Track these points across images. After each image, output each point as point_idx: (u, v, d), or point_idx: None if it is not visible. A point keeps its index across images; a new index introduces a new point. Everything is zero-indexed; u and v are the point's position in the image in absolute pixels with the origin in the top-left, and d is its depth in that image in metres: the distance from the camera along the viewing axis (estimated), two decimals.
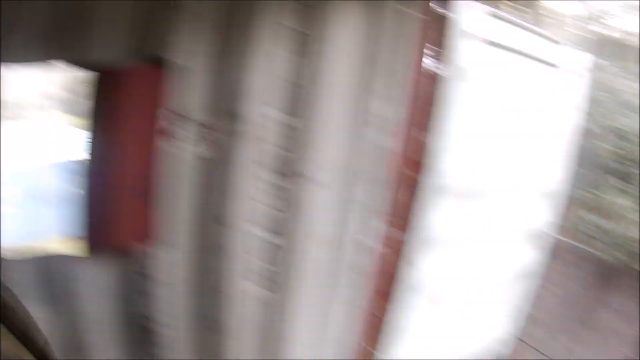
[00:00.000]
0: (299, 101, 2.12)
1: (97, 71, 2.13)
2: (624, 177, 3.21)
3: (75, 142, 2.46)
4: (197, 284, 2.43)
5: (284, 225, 2.27)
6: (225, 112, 2.14)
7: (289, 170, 2.21)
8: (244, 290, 2.33)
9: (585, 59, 2.48)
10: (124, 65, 2.08)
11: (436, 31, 2.04)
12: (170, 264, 2.39)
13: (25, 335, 0.61)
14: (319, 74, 2.06)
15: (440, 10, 2.00)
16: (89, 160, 2.29)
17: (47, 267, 2.37)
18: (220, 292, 2.34)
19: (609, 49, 3.72)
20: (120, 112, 2.16)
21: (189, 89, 2.15)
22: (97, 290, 2.41)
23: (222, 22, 2.09)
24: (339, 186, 2.22)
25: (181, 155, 2.22)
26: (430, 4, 2.01)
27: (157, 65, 2.08)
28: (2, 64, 2.15)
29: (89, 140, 2.31)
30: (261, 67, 2.08)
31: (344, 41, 2.04)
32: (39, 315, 2.25)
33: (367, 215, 2.26)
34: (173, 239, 2.34)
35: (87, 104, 2.24)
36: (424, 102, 2.14)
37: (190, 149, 2.20)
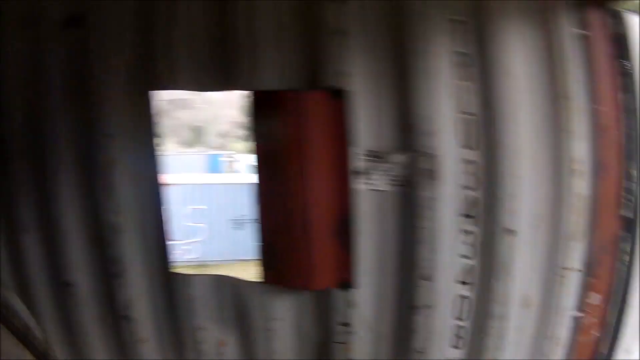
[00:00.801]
0: (481, 135, 2.15)
1: (277, 101, 2.20)
2: None
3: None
4: (395, 339, 2.35)
5: (478, 279, 2.17)
6: (412, 149, 2.18)
7: (482, 217, 2.15)
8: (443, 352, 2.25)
9: None
10: (304, 94, 2.14)
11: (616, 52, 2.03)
12: (367, 313, 2.32)
13: (25, 335, 0.50)
14: (493, 101, 2.11)
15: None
16: (273, 193, 2.30)
17: (233, 291, 2.46)
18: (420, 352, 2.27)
19: None
20: (306, 143, 2.20)
21: (375, 121, 2.19)
22: (283, 326, 2.42)
23: (397, 51, 2.14)
24: (538, 240, 2.14)
25: (373, 194, 2.24)
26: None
27: (333, 95, 2.13)
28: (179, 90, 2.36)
29: (274, 172, 2.34)
30: (442, 98, 2.13)
31: (518, 66, 2.08)
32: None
33: (568, 276, 2.15)
34: (371, 286, 2.29)
35: (266, 133, 2.30)
36: (617, 138, 2.09)
37: (381, 187, 2.22)
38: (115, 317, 2.59)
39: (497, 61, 2.09)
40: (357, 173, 2.20)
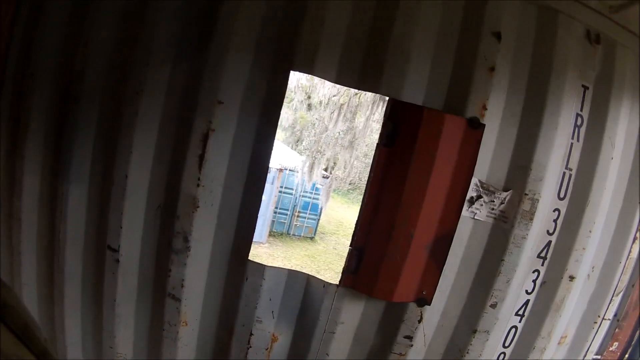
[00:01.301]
0: (571, 188, 2.41)
1: (416, 115, 2.20)
2: None
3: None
4: (446, 357, 2.49)
5: (532, 314, 2.44)
6: (520, 189, 2.33)
7: (552, 260, 2.42)
8: None
9: None
10: (446, 116, 2.18)
11: None
12: (430, 330, 2.42)
13: (25, 334, 0.63)
14: (591, 163, 2.38)
15: None
16: (382, 198, 2.29)
17: (305, 288, 2.43)
18: None
19: None
20: (433, 161, 2.21)
21: (495, 156, 2.30)
22: (344, 329, 2.44)
23: (532, 101, 2.29)
24: (590, 290, 2.47)
25: (472, 222, 2.34)
26: None
27: (471, 125, 2.20)
28: (317, 78, 2.27)
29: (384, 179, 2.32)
30: (557, 151, 2.34)
31: (619, 136, 2.38)
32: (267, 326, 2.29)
33: (601, 323, 2.52)
34: (441, 305, 2.38)
35: (394, 141, 2.28)
36: None
37: (482, 218, 2.33)
38: (160, 295, 2.35)
39: (605, 128, 2.34)
40: (468, 201, 2.24)
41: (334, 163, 11.17)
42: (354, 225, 2.30)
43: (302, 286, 2.39)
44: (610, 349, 2.55)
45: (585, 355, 2.60)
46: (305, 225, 12.81)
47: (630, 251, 2.48)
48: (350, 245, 2.31)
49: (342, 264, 2.38)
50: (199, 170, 2.24)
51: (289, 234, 12.63)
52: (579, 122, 2.33)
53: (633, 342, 2.51)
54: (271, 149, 2.28)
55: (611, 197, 2.40)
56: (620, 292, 2.49)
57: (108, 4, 2.18)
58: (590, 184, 2.37)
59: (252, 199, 2.29)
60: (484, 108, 2.22)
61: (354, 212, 14.83)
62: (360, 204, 2.33)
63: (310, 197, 12.54)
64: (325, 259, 11.45)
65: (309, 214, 12.81)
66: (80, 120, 2.29)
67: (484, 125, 2.21)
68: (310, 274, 2.44)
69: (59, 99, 2.29)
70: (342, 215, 15.30)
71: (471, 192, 2.28)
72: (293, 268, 2.56)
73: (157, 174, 2.30)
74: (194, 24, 2.17)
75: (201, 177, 2.24)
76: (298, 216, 12.65)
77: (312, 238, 12.93)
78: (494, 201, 2.28)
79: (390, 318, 2.39)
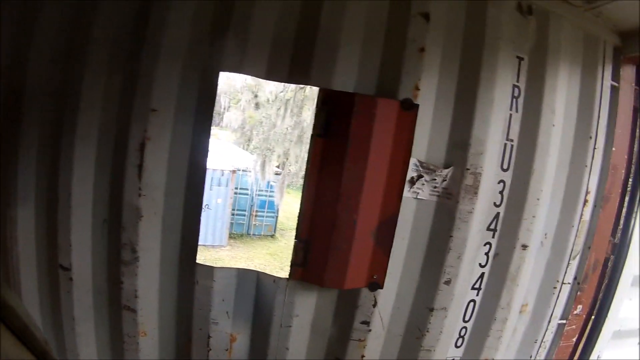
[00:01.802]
0: (514, 159, 2.40)
1: (348, 102, 2.17)
2: None
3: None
4: (406, 338, 2.48)
5: (488, 286, 2.43)
6: (461, 166, 2.31)
7: (503, 232, 2.41)
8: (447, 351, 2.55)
9: None
10: (379, 101, 2.15)
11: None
12: (386, 313, 2.42)
13: (25, 335, 0.65)
14: (532, 132, 2.37)
15: None
16: (322, 190, 2.27)
17: (257, 285, 2.44)
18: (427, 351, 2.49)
19: None
20: (369, 147, 2.19)
21: (433, 135, 2.28)
22: (301, 322, 2.44)
23: (465, 76, 2.27)
24: (545, 256, 2.46)
25: (415, 202, 2.33)
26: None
27: (404, 107, 2.18)
28: (246, 75, 2.25)
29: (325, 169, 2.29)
30: (495, 124, 2.32)
31: (558, 104, 2.38)
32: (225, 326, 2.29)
33: (561, 288, 2.51)
34: (394, 287, 2.37)
35: (329, 131, 2.24)
36: (621, 176, 2.47)
37: (424, 197, 2.32)
38: (115, 308, 2.36)
39: (543, 97, 2.32)
40: (408, 182, 2.21)
41: (286, 159, 11.13)
42: (297, 218, 2.27)
43: (253, 284, 2.40)
44: (575, 312, 2.55)
45: (549, 322, 2.60)
46: (264, 224, 12.95)
47: (582, 215, 2.46)
48: (295, 238, 2.29)
49: None
50: (139, 179, 2.22)
51: (249, 234, 12.76)
52: (516, 93, 2.32)
53: (598, 303, 2.50)
54: (207, 151, 2.26)
55: (557, 163, 2.38)
56: (576, 256, 2.49)
57: (49, 14, 2.16)
58: (533, 153, 2.35)
59: (194, 202, 2.29)
60: (417, 89, 2.20)
61: None
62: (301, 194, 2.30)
63: (266, 196, 12.65)
64: (287, 255, 11.51)
65: (267, 212, 12.93)
66: (22, 143, 2.26)
67: (417, 106, 2.18)
68: (259, 270, 2.44)
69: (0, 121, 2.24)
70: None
71: (411, 173, 2.26)
72: (247, 267, 2.56)
73: (100, 188, 2.28)
74: (127, 30, 2.14)
75: (142, 187, 2.23)
76: (256, 215, 12.78)
77: (272, 236, 13.06)
78: (435, 179, 2.26)
79: (344, 306, 2.40)
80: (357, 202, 2.19)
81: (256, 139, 11.69)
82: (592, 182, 2.45)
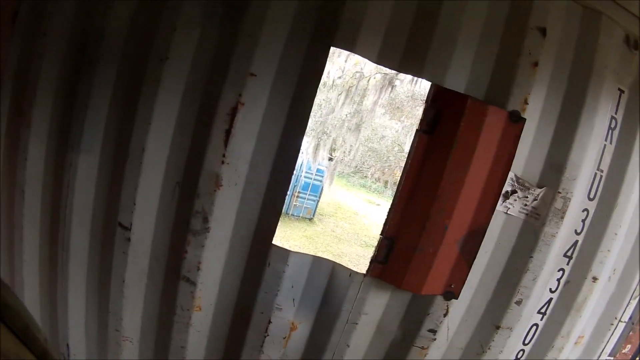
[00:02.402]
0: (601, 190, 2.39)
1: (459, 103, 2.13)
2: None
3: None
4: (467, 352, 2.42)
5: (553, 312, 2.41)
6: (553, 187, 2.29)
7: (577, 260, 2.41)
8: None
9: None
10: (491, 108, 2.11)
11: None
12: (454, 324, 2.38)
13: (25, 334, 0.64)
14: (622, 166, 2.38)
15: None
16: (417, 188, 2.22)
17: (330, 277, 2.34)
18: None
19: None
20: (472, 153, 2.15)
21: (532, 152, 2.26)
22: (367, 320, 2.36)
23: (572, 99, 2.26)
24: (609, 292, 2.46)
25: (504, 217, 2.29)
26: None
27: (512, 118, 2.15)
28: (356, 55, 2.17)
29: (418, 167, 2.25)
30: (591, 152, 2.32)
31: None
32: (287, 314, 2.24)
33: (617, 325, 2.52)
34: (467, 299, 2.33)
35: (435, 130, 2.20)
36: None
37: (514, 213, 2.29)
38: (173, 277, 2.22)
39: (638, 132, 2.33)
40: (502, 195, 2.18)
41: (340, 145, 11.02)
42: (387, 213, 2.20)
43: (327, 274, 2.29)
44: (623, 351, 2.55)
45: (599, 356, 2.58)
46: (304, 206, 12.60)
47: None
48: (380, 234, 2.22)
49: (341, 247, 2.28)
50: (224, 146, 2.09)
51: (287, 213, 12.35)
52: (612, 125, 2.32)
53: None
54: (304, 129, 2.16)
55: (638, 201, 2.37)
56: (637, 296, 2.48)
57: None
58: (620, 187, 2.36)
59: (280, 181, 2.16)
60: (526, 102, 2.17)
61: (352, 196, 14.83)
62: (394, 192, 2.23)
63: (310, 178, 12.32)
64: (323, 240, 11.29)
65: (309, 194, 12.57)
66: (95, 85, 2.11)
67: (524, 120, 2.16)
68: (337, 262, 2.32)
69: (72, 60, 2.12)
70: (341, 198, 15.19)
71: (507, 187, 2.22)
72: (318, 254, 2.44)
73: (177, 149, 2.14)
74: None
75: (226, 154, 2.09)
76: (298, 196, 12.41)
77: (310, 219, 12.74)
78: (527, 197, 2.23)
79: (415, 310, 2.32)
80: (452, 207, 2.14)
81: (313, 120, 11.51)
82: None
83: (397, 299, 2.31)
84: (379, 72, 8.72)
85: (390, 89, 8.16)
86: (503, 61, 2.17)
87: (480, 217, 2.20)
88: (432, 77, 2.12)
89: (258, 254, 2.26)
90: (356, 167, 16.30)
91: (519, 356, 2.48)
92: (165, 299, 2.33)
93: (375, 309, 2.32)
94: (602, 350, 2.57)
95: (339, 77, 9.75)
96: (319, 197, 12.55)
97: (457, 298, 2.27)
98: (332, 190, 12.70)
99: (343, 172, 12.57)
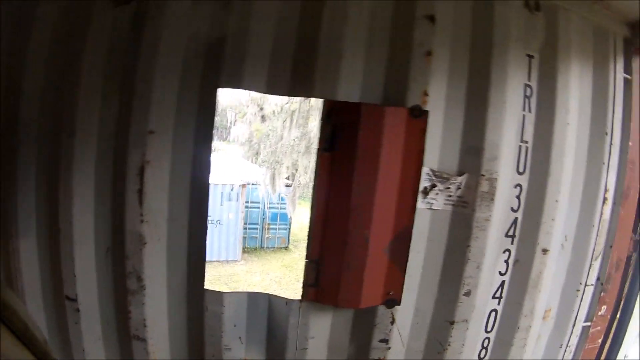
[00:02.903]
0: (529, 161, 2.25)
1: (354, 112, 2.04)
2: None
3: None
4: (427, 353, 2.34)
5: (509, 294, 2.28)
6: (475, 172, 2.16)
7: (521, 237, 2.26)
8: None
9: None
10: (386, 109, 2.01)
11: None
12: (405, 329, 2.27)
13: (25, 335, 0.63)
14: (547, 132, 2.22)
15: None
16: (332, 206, 2.14)
17: (269, 309, 2.31)
18: None
19: None
20: (378, 158, 2.05)
21: (444, 142, 2.14)
22: (317, 344, 2.30)
23: (474, 79, 2.13)
24: (566, 259, 2.31)
25: (429, 213, 2.19)
26: None
27: (413, 114, 2.04)
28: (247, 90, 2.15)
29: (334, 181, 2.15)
30: (508, 126, 2.17)
31: (572, 102, 2.23)
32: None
33: (585, 290, 2.36)
34: (412, 302, 2.23)
35: (336, 144, 2.12)
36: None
37: (439, 207, 2.18)
38: (125, 337, 2.24)
39: (557, 95, 2.18)
40: (421, 192, 2.07)
41: (295, 170, 11.00)
42: (307, 237, 2.12)
43: (265, 307, 2.26)
44: (599, 313, 2.42)
45: (574, 325, 2.47)
46: (277, 236, 12.75)
47: (602, 213, 2.32)
48: (306, 258, 2.16)
49: None
50: (140, 205, 2.10)
51: (262, 247, 12.58)
52: (528, 93, 2.18)
53: (622, 302, 2.37)
54: (209, 169, 2.15)
55: (573, 162, 2.25)
56: (598, 256, 2.36)
57: (38, 41, 2.07)
58: (549, 154, 2.22)
59: (199, 225, 2.16)
60: (425, 94, 2.06)
61: None
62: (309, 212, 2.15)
63: (277, 208, 12.43)
64: (302, 265, 11.17)
65: (280, 224, 12.73)
66: (20, 172, 2.16)
67: (427, 112, 2.05)
68: (270, 293, 2.29)
69: None
70: None
71: (424, 183, 2.12)
72: (257, 289, 2.41)
73: (101, 216, 2.18)
74: (120, 50, 2.03)
75: (143, 212, 2.11)
76: (269, 228, 12.59)
77: (286, 248, 12.90)
78: (449, 187, 2.12)
79: (361, 324, 2.26)
80: (369, 218, 2.05)
81: (264, 152, 11.57)
82: (610, 179, 2.33)
83: (340, 317, 2.26)
84: None
85: None
86: (395, 59, 2.07)
87: (402, 220, 2.11)
88: (322, 94, 2.02)
89: (195, 300, 2.25)
90: None
91: (485, 345, 2.38)
92: (125, 359, 2.33)
93: (321, 331, 2.28)
94: (576, 318, 2.44)
95: (286, 103, 9.63)
96: (290, 225, 12.70)
97: (399, 304, 2.19)
98: (300, 214, 12.57)
99: (306, 194, 12.50)
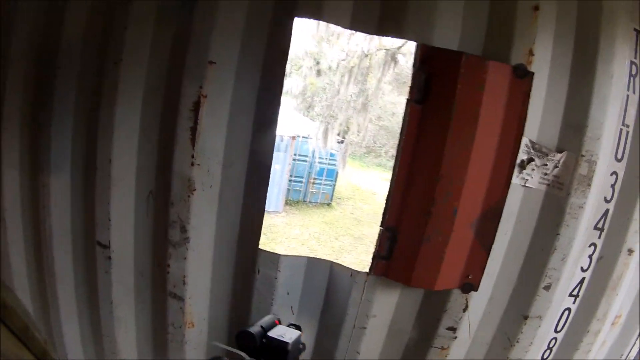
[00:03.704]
0: (628, 148, 2.01)
1: (453, 62, 1.75)
2: None
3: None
4: (493, 347, 2.06)
5: (587, 293, 2.03)
6: (574, 149, 1.90)
7: (609, 232, 2.02)
8: None
9: None
10: (489, 64, 1.74)
11: None
12: (475, 319, 2.03)
13: (25, 334, 0.61)
14: None
15: None
16: (418, 167, 1.85)
17: (329, 279, 2.04)
18: None
19: None
20: (475, 118, 1.78)
21: (546, 111, 1.87)
22: (377, 324, 2.04)
23: (581, 49, 1.87)
24: None
25: (522, 190, 1.93)
26: None
27: (517, 74, 1.78)
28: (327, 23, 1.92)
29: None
30: (614, 105, 1.92)
31: None
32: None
33: None
34: (488, 290, 1.97)
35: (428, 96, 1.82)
36: None
37: (533, 185, 1.92)
38: (159, 293, 1.97)
39: None
40: (518, 165, 1.80)
41: (348, 127, 10.75)
42: (385, 200, 1.82)
43: (325, 276, 1.96)
44: None
45: (638, 337, 2.21)
46: (321, 191, 12.31)
47: None
48: (380, 225, 1.84)
49: (361, 229, 1.93)
50: (192, 146, 1.81)
51: (305, 201, 12.15)
52: (633, 72, 1.93)
53: None
54: (277, 114, 1.85)
55: None
56: None
57: None
58: None
59: (259, 176, 1.86)
60: (531, 54, 1.79)
61: (369, 177, 14.42)
62: (391, 173, 1.85)
63: (325, 164, 12.05)
64: (343, 224, 11.02)
65: (325, 180, 12.29)
66: (57, 102, 1.89)
67: (532, 74, 1.78)
68: (334, 261, 1.96)
69: (33, 80, 1.90)
70: (358, 180, 14.79)
71: (521, 155, 1.85)
72: (311, 255, 2.11)
73: (145, 155, 1.88)
74: None
75: (195, 154, 1.81)
76: (314, 183, 12.15)
77: (329, 204, 12.45)
78: (547, 165, 1.86)
79: (430, 308, 2.00)
80: (460, 186, 1.77)
81: (318, 106, 11.22)
82: None
83: (408, 296, 1.97)
84: (381, 49, 8.38)
85: (393, 64, 7.84)
86: (499, 8, 1.79)
87: (494, 194, 1.83)
88: (417, 36, 1.74)
89: (245, 261, 1.96)
90: (368, 147, 15.99)
91: (550, 345, 2.12)
92: (157, 317, 2.06)
93: (385, 309, 1.99)
94: None
95: (343, 60, 9.46)
96: (335, 182, 12.24)
97: (476, 290, 1.90)
98: (347, 173, 12.47)
99: (355, 153, 12.26)
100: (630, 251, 2.04)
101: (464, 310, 1.96)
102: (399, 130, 1.85)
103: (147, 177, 1.91)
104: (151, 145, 1.88)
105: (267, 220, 10.66)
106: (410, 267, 1.85)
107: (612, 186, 1.99)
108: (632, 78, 1.93)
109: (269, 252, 1.92)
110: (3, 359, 0.56)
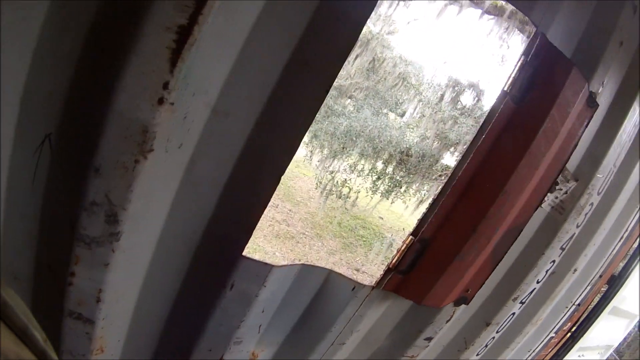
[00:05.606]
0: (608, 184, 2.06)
1: (559, 66, 1.46)
2: None
3: None
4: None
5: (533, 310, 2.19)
6: (584, 181, 1.86)
7: (569, 255, 2.19)
8: None
9: None
10: (582, 80, 1.49)
11: None
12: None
13: (25, 334, 0.58)
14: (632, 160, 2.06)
15: None
16: (482, 172, 1.53)
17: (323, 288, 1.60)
18: None
19: None
20: (553, 132, 1.52)
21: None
22: (356, 337, 1.75)
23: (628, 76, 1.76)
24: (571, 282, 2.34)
25: (539, 212, 1.78)
26: None
27: (589, 102, 1.57)
28: None
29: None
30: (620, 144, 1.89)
31: None
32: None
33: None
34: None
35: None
36: None
37: (545, 206, 1.82)
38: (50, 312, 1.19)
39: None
40: (549, 190, 1.66)
41: None
42: (429, 206, 1.43)
43: (315, 287, 1.56)
44: (564, 327, 2.44)
45: (547, 335, 2.45)
46: None
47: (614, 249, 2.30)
48: (412, 235, 1.43)
49: None
50: (170, 67, 0.93)
51: None
52: None
53: (580, 322, 2.46)
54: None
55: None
56: (591, 283, 2.34)
57: None
58: (624, 184, 2.04)
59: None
60: (602, 85, 1.60)
61: None
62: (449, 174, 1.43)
63: None
64: None
65: None
66: None
67: (597, 106, 1.59)
68: (334, 270, 1.48)
69: None
70: None
71: (554, 180, 1.64)
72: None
73: (47, 70, 0.94)
74: None
75: (172, 84, 0.94)
76: None
77: None
78: (562, 189, 1.72)
79: (415, 320, 1.78)
80: (512, 205, 1.48)
81: None
82: None
83: (395, 308, 1.71)
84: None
85: None
86: (596, 25, 1.50)
87: (525, 215, 1.61)
88: (540, 20, 1.26)
89: (212, 271, 1.30)
90: None
91: (488, 344, 2.13)
92: (54, 342, 1.20)
93: (368, 324, 1.65)
94: (551, 330, 2.42)
95: None
96: None
97: (468, 304, 1.70)
98: None
99: None
100: (575, 270, 2.14)
101: (447, 321, 1.77)
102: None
103: (46, 109, 0.97)
104: (60, 56, 0.94)
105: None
106: (429, 285, 1.53)
107: (586, 214, 1.99)
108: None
109: (257, 261, 1.30)
110: (3, 358, 0.50)
